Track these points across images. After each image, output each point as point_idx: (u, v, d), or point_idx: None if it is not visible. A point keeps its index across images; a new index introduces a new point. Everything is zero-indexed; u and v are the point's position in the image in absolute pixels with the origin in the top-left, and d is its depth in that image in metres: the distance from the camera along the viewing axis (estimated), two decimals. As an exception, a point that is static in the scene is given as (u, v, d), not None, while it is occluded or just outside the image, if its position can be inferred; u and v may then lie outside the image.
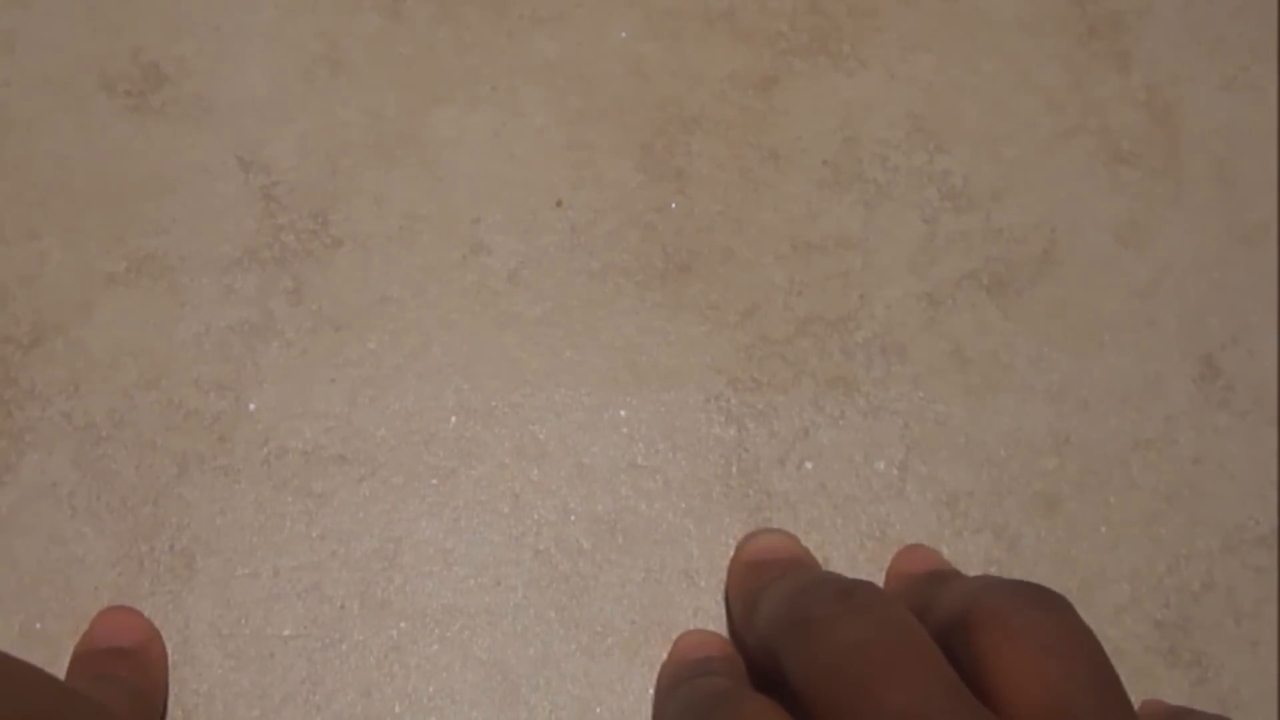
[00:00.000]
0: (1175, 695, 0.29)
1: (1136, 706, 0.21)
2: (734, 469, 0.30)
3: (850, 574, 0.25)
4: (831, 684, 0.21)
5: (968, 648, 0.22)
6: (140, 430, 0.29)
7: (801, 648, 0.22)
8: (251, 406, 0.29)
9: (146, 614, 0.28)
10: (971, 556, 0.29)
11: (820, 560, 0.29)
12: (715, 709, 0.22)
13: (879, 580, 0.29)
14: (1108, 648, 0.22)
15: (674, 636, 0.28)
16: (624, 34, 0.33)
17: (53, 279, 0.30)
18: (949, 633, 0.22)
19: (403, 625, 0.28)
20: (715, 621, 0.29)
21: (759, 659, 0.25)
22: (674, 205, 0.32)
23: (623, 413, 0.30)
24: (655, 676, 0.28)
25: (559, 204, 0.32)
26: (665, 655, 0.28)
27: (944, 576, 0.27)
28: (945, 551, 0.29)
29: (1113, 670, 0.21)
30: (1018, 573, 0.29)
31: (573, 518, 0.29)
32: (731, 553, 0.29)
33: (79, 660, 0.27)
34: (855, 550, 0.29)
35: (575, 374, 0.30)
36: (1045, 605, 0.22)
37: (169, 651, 0.28)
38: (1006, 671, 0.21)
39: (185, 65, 0.32)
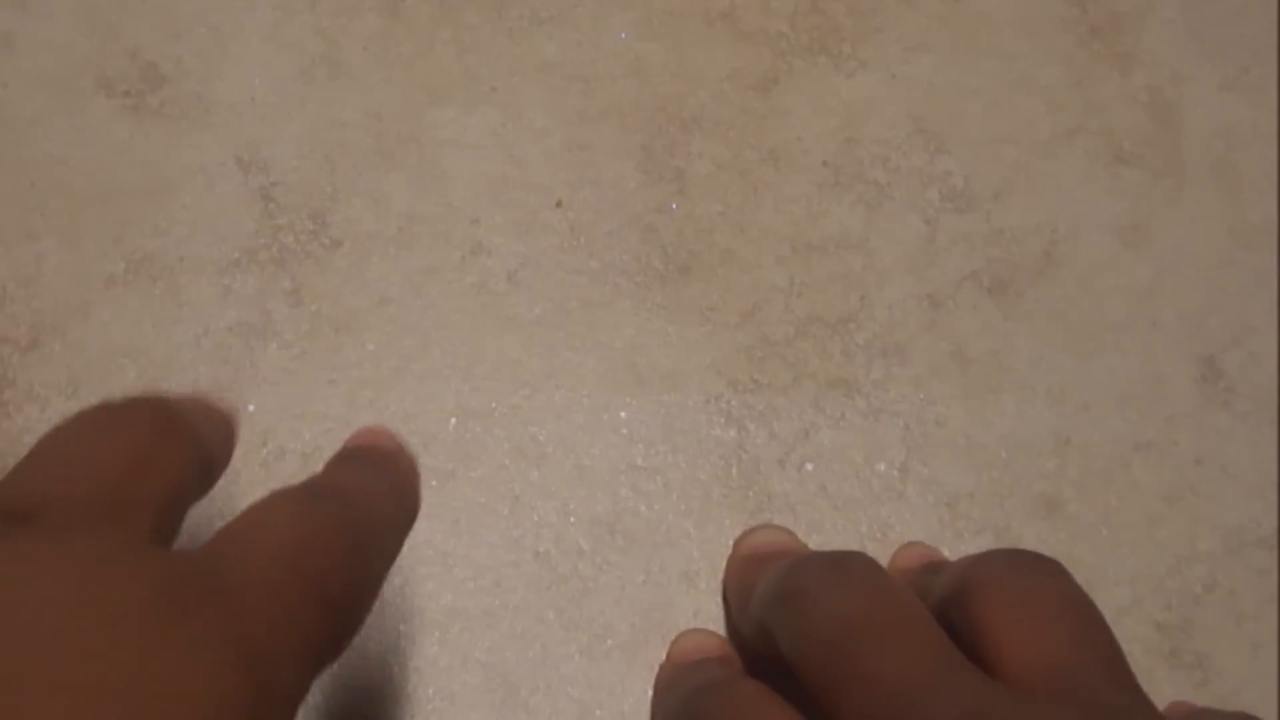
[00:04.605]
0: (1176, 697, 0.29)
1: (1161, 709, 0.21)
2: (734, 470, 0.30)
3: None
4: (825, 654, 0.21)
5: (965, 616, 0.22)
6: (139, 432, 0.29)
7: (795, 619, 0.22)
8: (250, 408, 0.29)
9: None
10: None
11: (821, 562, 0.29)
12: (708, 693, 0.22)
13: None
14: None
15: (673, 638, 0.28)
16: (624, 34, 0.33)
17: (51, 280, 0.30)
18: (947, 606, 0.22)
19: (402, 627, 0.28)
20: (715, 623, 0.29)
21: (756, 644, 0.25)
22: (674, 206, 0.32)
23: (622, 414, 0.30)
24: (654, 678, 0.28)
25: (559, 205, 0.31)
26: (664, 656, 0.28)
27: (940, 566, 0.27)
28: (946, 553, 0.29)
29: (1110, 633, 0.21)
30: (1019, 575, 0.29)
31: (572, 519, 0.29)
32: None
33: (336, 456, 0.24)
34: (856, 552, 0.29)
35: (575, 375, 0.30)
36: (1041, 570, 0.22)
37: None
38: (1004, 636, 0.21)
39: (184, 65, 0.32)
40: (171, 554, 0.17)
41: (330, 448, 0.29)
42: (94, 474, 0.18)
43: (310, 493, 0.19)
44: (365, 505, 0.20)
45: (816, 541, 0.29)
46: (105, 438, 0.19)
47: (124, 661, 0.14)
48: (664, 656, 0.28)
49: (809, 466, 0.30)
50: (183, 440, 0.19)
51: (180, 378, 0.29)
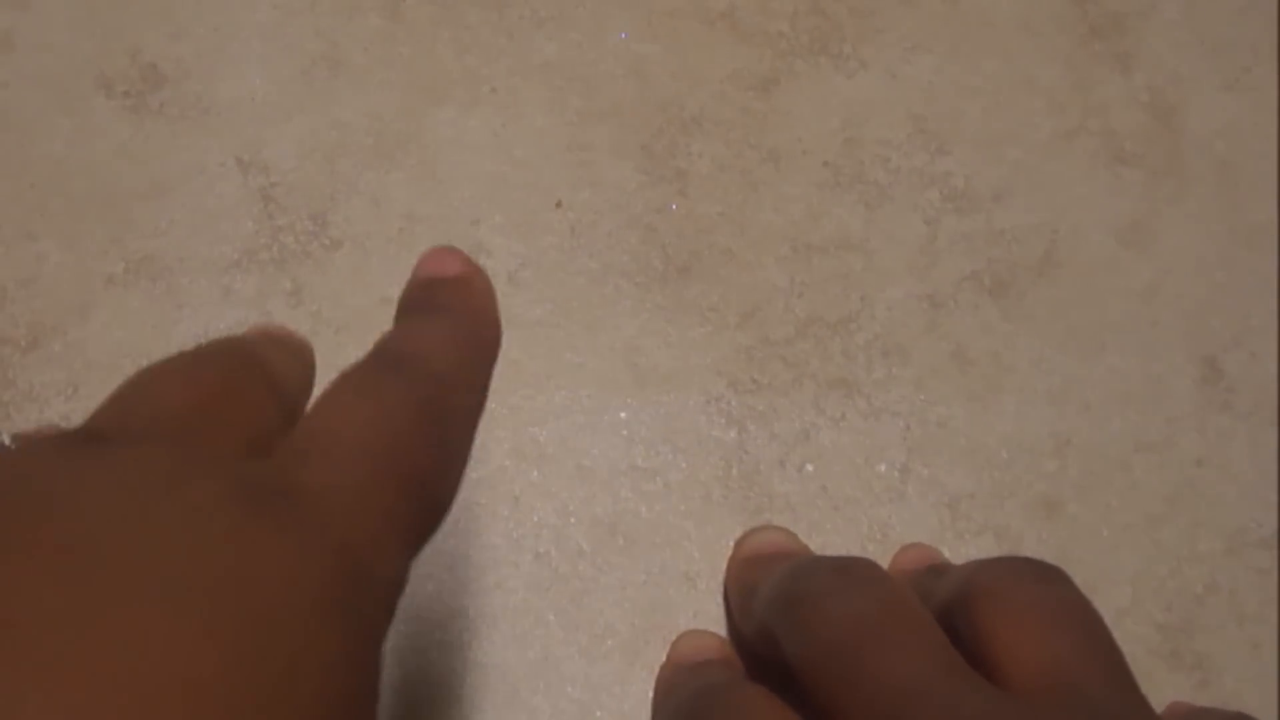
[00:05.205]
0: (1177, 698, 0.29)
1: (1159, 710, 0.21)
2: (734, 471, 0.30)
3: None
4: (828, 658, 0.21)
5: (968, 623, 0.22)
6: (139, 432, 0.29)
7: (798, 623, 0.22)
8: (250, 408, 0.29)
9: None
10: (972, 559, 0.29)
11: (821, 563, 0.29)
12: (710, 696, 0.22)
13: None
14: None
15: (674, 639, 0.28)
16: (624, 35, 0.33)
17: (51, 280, 0.30)
18: (950, 611, 0.22)
19: (402, 628, 0.28)
20: (715, 624, 0.29)
21: (758, 647, 0.25)
22: (674, 206, 0.32)
23: (623, 414, 0.30)
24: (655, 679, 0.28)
25: (559, 205, 0.31)
26: (664, 658, 0.28)
27: (942, 569, 0.27)
28: (946, 554, 0.29)
29: (1113, 640, 0.21)
30: (1019, 575, 0.29)
31: (573, 520, 0.29)
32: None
33: (403, 297, 0.23)
34: (856, 553, 0.29)
35: (575, 376, 0.30)
36: (1044, 578, 0.22)
37: None
38: (1008, 643, 0.21)
39: (184, 66, 0.32)
40: (253, 459, 0.17)
41: (330, 448, 0.29)
42: (175, 403, 0.17)
43: (382, 368, 0.19)
44: (443, 362, 0.19)
45: (817, 542, 0.29)
46: (186, 373, 0.18)
47: (211, 555, 0.14)
48: (664, 658, 0.28)
49: (809, 467, 0.30)
50: (261, 380, 0.19)
51: (180, 378, 0.29)
